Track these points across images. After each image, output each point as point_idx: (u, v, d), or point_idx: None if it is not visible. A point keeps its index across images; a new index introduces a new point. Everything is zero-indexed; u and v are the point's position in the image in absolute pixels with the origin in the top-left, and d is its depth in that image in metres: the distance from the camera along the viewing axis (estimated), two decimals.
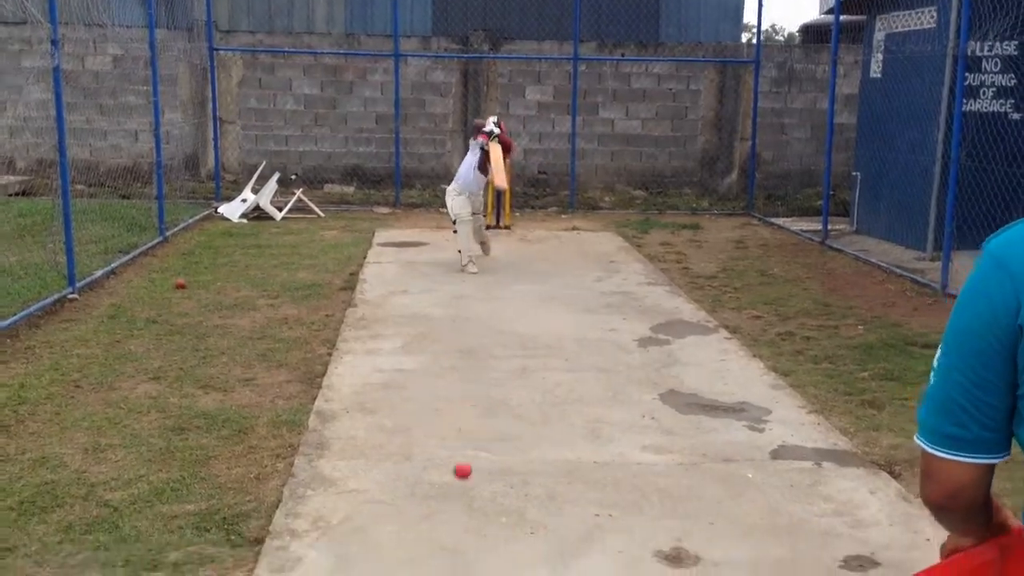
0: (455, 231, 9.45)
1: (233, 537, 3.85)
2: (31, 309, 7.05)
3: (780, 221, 13.02)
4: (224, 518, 4.01)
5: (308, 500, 4.23)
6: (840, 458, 4.84)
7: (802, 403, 5.65)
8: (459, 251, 9.39)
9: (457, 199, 9.31)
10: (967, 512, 1.60)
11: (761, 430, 5.21)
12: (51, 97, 7.89)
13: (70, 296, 7.65)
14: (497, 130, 9.30)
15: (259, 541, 3.82)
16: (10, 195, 13.42)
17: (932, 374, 1.59)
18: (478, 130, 9.47)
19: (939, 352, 1.58)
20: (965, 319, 1.53)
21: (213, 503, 4.15)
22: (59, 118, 7.81)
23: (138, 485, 4.30)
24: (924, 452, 1.59)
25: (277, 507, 4.13)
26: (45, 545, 3.73)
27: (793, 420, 5.37)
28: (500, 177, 9.18)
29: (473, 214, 9.42)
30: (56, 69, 7.69)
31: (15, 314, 6.83)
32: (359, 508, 4.16)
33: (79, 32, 14.04)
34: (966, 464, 1.54)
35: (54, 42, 7.68)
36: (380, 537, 3.92)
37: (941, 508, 1.61)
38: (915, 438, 1.61)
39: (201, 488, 4.30)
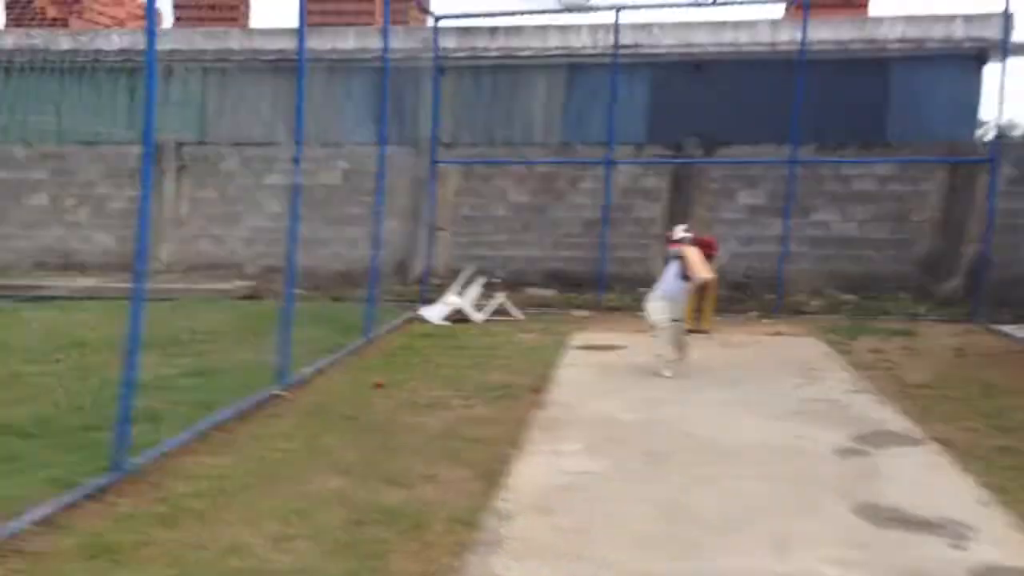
0: (654, 336, 9.39)
1: None
2: (243, 405, 7.50)
3: (1007, 328, 12.10)
4: None
5: None
6: None
7: (1014, 522, 5.13)
8: (656, 355, 9.29)
9: (657, 304, 9.30)
10: None
11: (965, 548, 4.76)
12: (284, 210, 8.58)
13: (279, 393, 8.09)
14: (688, 235, 9.41)
15: None
16: (236, 298, 14.52)
17: None
18: (668, 241, 9.63)
19: None
20: None
21: None
22: (293, 228, 8.49)
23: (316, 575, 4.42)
24: None
25: None
26: None
27: (1001, 539, 4.89)
28: (700, 269, 9.08)
29: (673, 320, 9.34)
30: (297, 185, 8.43)
31: (228, 409, 7.30)
32: None
33: (315, 151, 15.27)
34: None
35: (296, 160, 8.36)
36: None
37: None
38: None
39: None
